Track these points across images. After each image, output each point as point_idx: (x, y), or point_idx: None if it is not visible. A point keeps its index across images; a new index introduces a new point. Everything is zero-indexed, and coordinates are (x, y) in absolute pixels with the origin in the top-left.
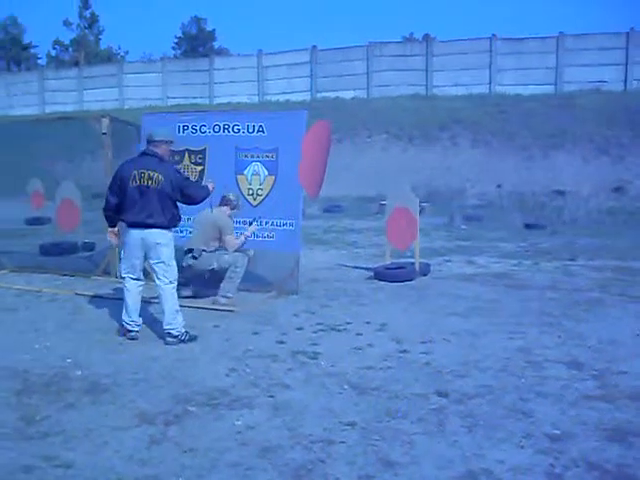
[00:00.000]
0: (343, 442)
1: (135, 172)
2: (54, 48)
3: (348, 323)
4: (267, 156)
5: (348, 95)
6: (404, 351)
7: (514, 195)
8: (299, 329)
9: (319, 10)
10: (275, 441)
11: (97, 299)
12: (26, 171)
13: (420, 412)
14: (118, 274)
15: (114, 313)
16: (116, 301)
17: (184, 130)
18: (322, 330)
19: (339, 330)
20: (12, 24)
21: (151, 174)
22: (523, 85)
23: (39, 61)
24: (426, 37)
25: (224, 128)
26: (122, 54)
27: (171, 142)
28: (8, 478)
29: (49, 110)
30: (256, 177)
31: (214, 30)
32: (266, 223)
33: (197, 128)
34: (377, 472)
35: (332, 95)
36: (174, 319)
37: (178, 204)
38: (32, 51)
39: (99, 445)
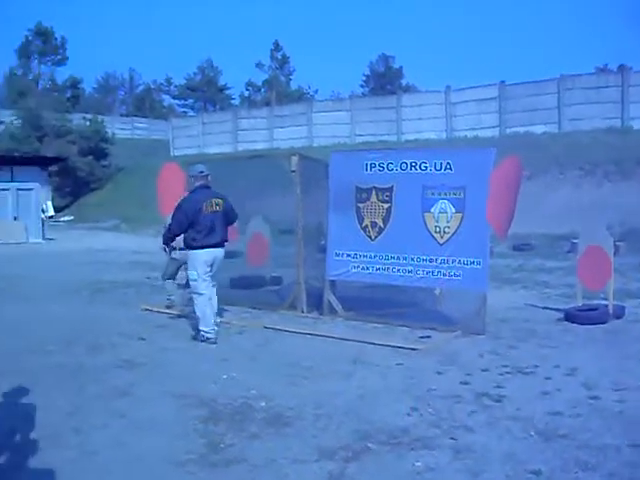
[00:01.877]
0: None
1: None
2: (247, 89)
3: (536, 366)
4: (455, 194)
5: (539, 130)
6: (595, 398)
7: None
8: (484, 370)
9: (508, 44)
10: None
11: (284, 332)
12: None
13: (611, 465)
14: (303, 308)
15: (300, 347)
16: (302, 335)
17: (372, 168)
18: (508, 372)
19: (526, 373)
20: (209, 67)
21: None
22: None
23: (233, 101)
24: (621, 67)
25: (411, 166)
26: (312, 93)
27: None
28: None
29: (241, 148)
30: (443, 215)
31: (401, 67)
32: (453, 261)
33: (384, 166)
34: None
35: (522, 130)
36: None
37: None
38: (227, 92)
39: (280, 477)
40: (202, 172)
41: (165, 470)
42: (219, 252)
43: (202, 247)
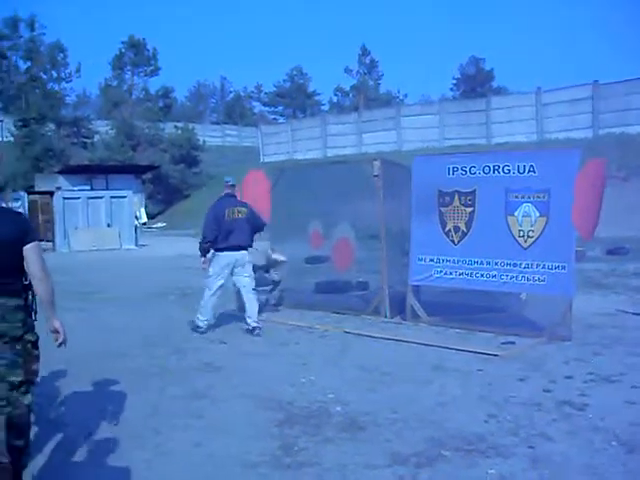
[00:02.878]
0: None
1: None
2: (335, 94)
3: (622, 374)
4: (538, 197)
5: (635, 130)
6: None
7: None
8: (568, 377)
9: (600, 43)
10: None
11: (365, 337)
12: (308, 212)
13: None
14: (386, 313)
15: (380, 352)
16: (383, 340)
17: (454, 172)
18: (593, 380)
19: (612, 381)
20: (298, 74)
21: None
22: None
23: (322, 107)
24: None
25: (494, 169)
26: (401, 97)
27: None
28: None
29: (330, 154)
30: (527, 218)
31: (492, 69)
32: (537, 266)
33: (467, 169)
34: None
35: (617, 131)
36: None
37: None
38: (316, 98)
39: None
40: (228, 181)
41: (237, 471)
42: (240, 255)
43: (223, 249)
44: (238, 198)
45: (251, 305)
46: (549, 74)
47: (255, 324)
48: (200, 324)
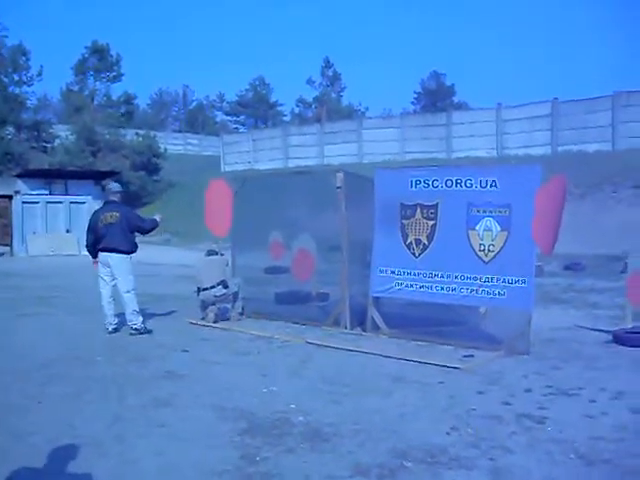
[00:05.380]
0: None
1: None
2: (297, 106)
3: (581, 388)
4: (500, 211)
5: (591, 148)
6: None
7: None
8: (527, 391)
9: (560, 61)
10: None
11: (326, 348)
12: (269, 222)
13: None
14: (347, 324)
15: (341, 363)
16: (344, 351)
17: (417, 185)
18: (552, 394)
19: (570, 395)
20: (260, 84)
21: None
22: None
23: (284, 118)
24: None
25: (456, 183)
26: (362, 110)
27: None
28: None
29: (291, 164)
30: (488, 233)
31: (453, 85)
32: (497, 280)
33: (429, 183)
34: None
35: (574, 148)
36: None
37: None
38: (278, 109)
39: None
40: (111, 188)
41: None
42: (111, 256)
43: (99, 251)
44: (118, 203)
45: (126, 307)
46: (509, 91)
47: (133, 325)
48: (106, 326)
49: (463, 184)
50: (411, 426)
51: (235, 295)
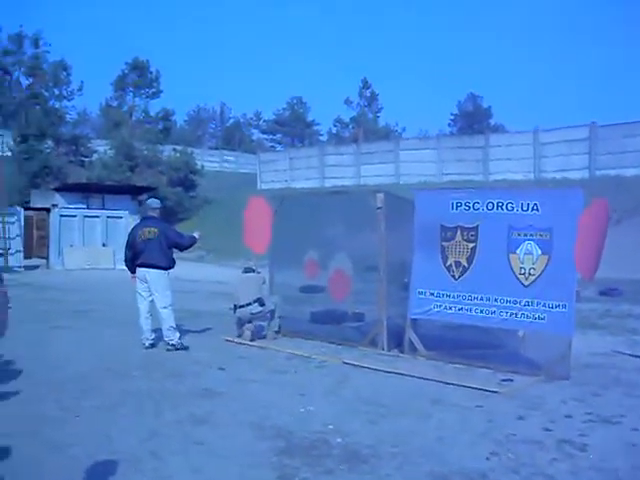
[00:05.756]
0: None
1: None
2: (335, 125)
3: (622, 416)
4: (541, 235)
5: (630, 173)
6: None
7: None
8: (567, 417)
9: (598, 85)
10: None
11: (363, 369)
12: (305, 241)
13: None
14: (384, 345)
15: (379, 384)
16: (382, 373)
17: (457, 207)
18: (592, 421)
19: (612, 422)
20: (298, 103)
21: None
22: None
23: (320, 137)
24: None
25: (497, 205)
26: (399, 131)
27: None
28: None
29: (328, 184)
30: (529, 256)
31: (490, 107)
32: (537, 304)
33: (470, 205)
34: None
35: (612, 173)
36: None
37: None
38: (315, 128)
39: None
40: (150, 204)
41: None
42: (150, 272)
43: (137, 267)
44: (156, 219)
45: (163, 323)
46: (546, 114)
47: (170, 340)
48: (142, 341)
49: (504, 207)
50: (450, 450)
51: (272, 313)
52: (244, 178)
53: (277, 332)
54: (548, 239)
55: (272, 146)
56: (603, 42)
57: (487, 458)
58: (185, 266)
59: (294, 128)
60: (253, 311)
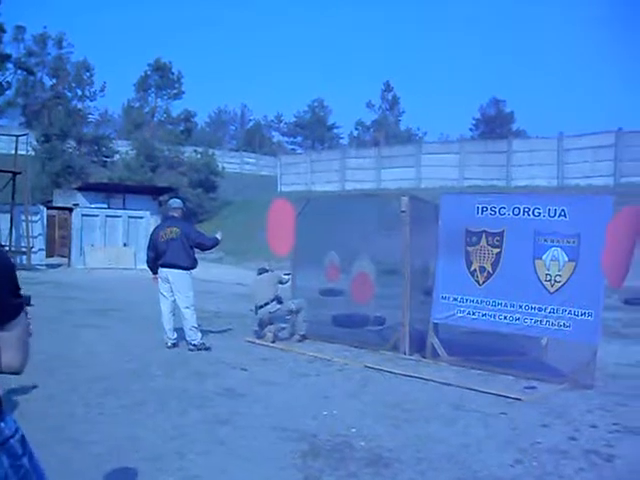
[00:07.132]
0: None
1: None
2: (356, 129)
3: None
4: (568, 241)
5: None
6: None
7: None
8: (593, 427)
9: (624, 91)
10: None
11: (385, 373)
12: (327, 244)
13: None
14: (406, 349)
15: (401, 389)
16: (404, 377)
17: (483, 211)
18: (618, 431)
19: (638, 433)
20: (319, 105)
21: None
22: None
23: (341, 141)
24: None
25: (524, 211)
26: (420, 135)
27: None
28: None
29: (348, 187)
30: (555, 263)
31: (513, 112)
32: (563, 311)
33: (496, 210)
34: None
35: (638, 180)
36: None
37: None
38: (336, 131)
39: None
40: (171, 204)
41: None
42: (172, 272)
43: (159, 266)
44: (178, 219)
45: (185, 323)
46: (569, 119)
47: (192, 341)
48: (165, 340)
49: (531, 212)
50: (474, 457)
51: (295, 314)
52: (264, 180)
53: (303, 336)
54: (575, 245)
55: (292, 149)
56: (630, 47)
57: (512, 466)
58: (204, 267)
59: (315, 131)
60: (271, 310)
